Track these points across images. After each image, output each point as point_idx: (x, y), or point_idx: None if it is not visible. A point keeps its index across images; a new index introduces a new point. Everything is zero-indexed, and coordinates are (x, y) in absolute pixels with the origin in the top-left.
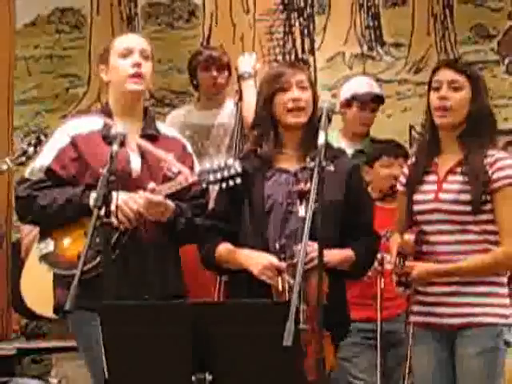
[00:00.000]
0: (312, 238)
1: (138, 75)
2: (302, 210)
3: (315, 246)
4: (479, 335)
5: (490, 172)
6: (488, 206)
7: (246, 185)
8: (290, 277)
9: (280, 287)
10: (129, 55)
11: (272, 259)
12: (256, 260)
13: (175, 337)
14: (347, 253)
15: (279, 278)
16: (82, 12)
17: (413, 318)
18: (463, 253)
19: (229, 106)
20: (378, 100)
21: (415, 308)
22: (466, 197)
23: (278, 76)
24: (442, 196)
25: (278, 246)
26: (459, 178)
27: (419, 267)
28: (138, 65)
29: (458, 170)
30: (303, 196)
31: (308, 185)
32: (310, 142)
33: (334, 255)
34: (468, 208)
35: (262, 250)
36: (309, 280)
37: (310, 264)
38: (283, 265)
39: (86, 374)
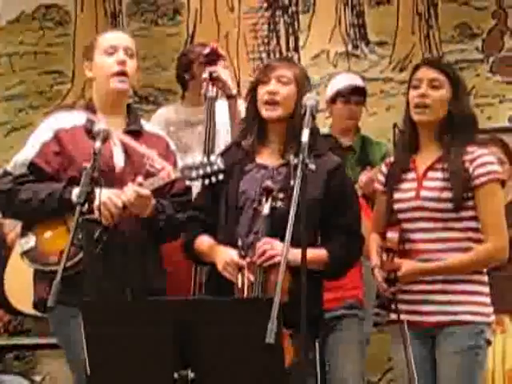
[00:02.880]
0: (278, 236)
1: (122, 73)
2: (266, 208)
3: (276, 243)
4: (460, 333)
5: (470, 169)
6: (470, 203)
7: (224, 179)
8: (250, 273)
9: (239, 284)
10: (113, 53)
11: (233, 256)
12: (221, 256)
13: (157, 334)
14: (318, 252)
15: (239, 275)
16: (67, 8)
17: (395, 316)
18: (446, 250)
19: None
20: (360, 92)
21: (400, 306)
22: (447, 194)
23: (262, 69)
24: (424, 194)
25: (240, 242)
26: (439, 174)
27: (406, 265)
28: (123, 62)
29: (438, 166)
30: (269, 193)
31: (291, 181)
32: (294, 138)
33: (299, 254)
34: (450, 205)
35: (233, 246)
36: (269, 277)
37: (269, 261)
38: (243, 262)
39: (70, 371)
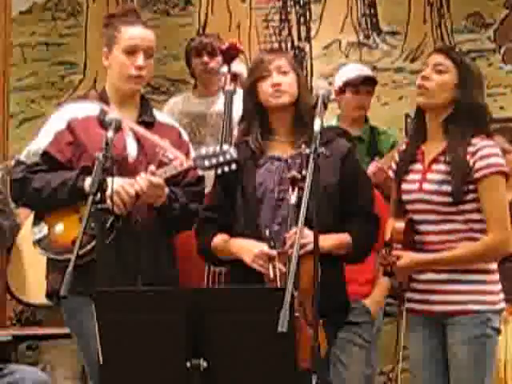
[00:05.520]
0: (306, 224)
1: (138, 77)
2: (293, 197)
3: (307, 232)
4: (467, 322)
5: (471, 161)
6: (470, 196)
7: (238, 174)
8: (281, 264)
9: (271, 274)
10: (133, 54)
11: (262, 247)
12: (247, 248)
13: (170, 323)
14: (342, 237)
15: (270, 266)
16: None
17: (406, 305)
18: (449, 242)
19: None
20: (370, 82)
21: (408, 295)
22: (447, 187)
23: (258, 64)
24: (425, 186)
25: (268, 233)
26: (442, 167)
27: (406, 257)
28: (141, 68)
29: (442, 159)
30: (295, 183)
31: (302, 171)
32: (301, 127)
33: (326, 240)
34: (449, 198)
35: (255, 238)
36: (301, 266)
37: (302, 250)
38: (274, 252)
39: (70, 360)
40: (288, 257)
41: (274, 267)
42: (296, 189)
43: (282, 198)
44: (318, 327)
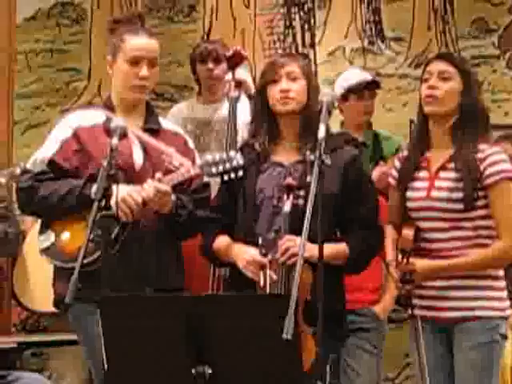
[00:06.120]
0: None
1: (141, 87)
2: (287, 205)
3: (298, 240)
4: (475, 329)
5: (481, 168)
6: (480, 202)
7: (242, 178)
8: (272, 271)
9: (261, 282)
10: (137, 64)
11: (255, 254)
12: (242, 255)
13: (175, 329)
14: (338, 247)
15: (261, 273)
16: (83, 6)
17: (415, 312)
18: (457, 249)
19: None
20: (372, 86)
21: (416, 302)
22: (458, 194)
23: (269, 68)
24: (434, 194)
25: (260, 240)
26: (451, 174)
27: (422, 264)
28: (144, 78)
29: (450, 166)
30: (290, 190)
31: (307, 178)
32: (309, 133)
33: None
34: (460, 206)
35: (253, 244)
36: (292, 275)
37: (292, 259)
38: (265, 260)
39: (76, 366)
40: (280, 265)
41: (264, 275)
42: (291, 196)
43: (279, 206)
44: (321, 336)
